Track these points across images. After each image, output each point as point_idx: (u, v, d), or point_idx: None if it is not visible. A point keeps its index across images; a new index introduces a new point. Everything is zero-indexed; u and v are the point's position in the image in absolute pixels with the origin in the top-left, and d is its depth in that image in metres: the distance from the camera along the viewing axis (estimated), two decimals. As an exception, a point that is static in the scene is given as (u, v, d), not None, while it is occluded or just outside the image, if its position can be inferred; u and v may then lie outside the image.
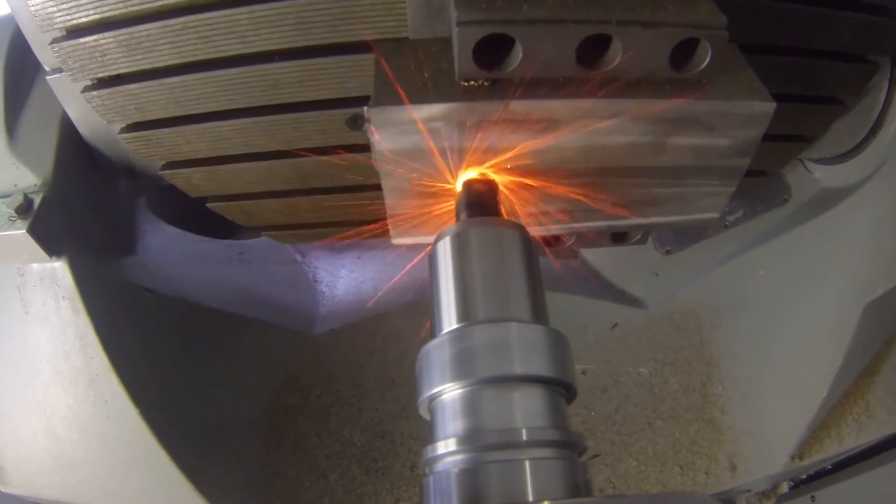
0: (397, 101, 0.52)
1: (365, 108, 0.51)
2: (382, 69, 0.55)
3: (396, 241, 0.67)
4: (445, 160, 0.56)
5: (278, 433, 1.03)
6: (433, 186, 0.59)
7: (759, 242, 1.04)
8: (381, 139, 0.54)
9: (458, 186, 0.60)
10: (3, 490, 0.91)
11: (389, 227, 0.64)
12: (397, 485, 1.00)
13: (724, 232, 1.09)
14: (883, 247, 0.89)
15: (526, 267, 0.53)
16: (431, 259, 0.56)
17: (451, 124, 0.54)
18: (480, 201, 0.58)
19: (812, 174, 1.02)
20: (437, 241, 0.55)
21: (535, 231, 0.64)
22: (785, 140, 0.88)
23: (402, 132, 0.54)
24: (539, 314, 0.52)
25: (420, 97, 0.52)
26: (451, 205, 0.61)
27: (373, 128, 0.52)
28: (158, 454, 0.85)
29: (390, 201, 0.62)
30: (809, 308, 0.96)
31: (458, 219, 0.58)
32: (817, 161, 1.02)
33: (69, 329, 0.84)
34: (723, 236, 1.09)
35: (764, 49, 0.73)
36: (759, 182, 0.94)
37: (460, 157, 0.56)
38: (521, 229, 0.55)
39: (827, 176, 1.00)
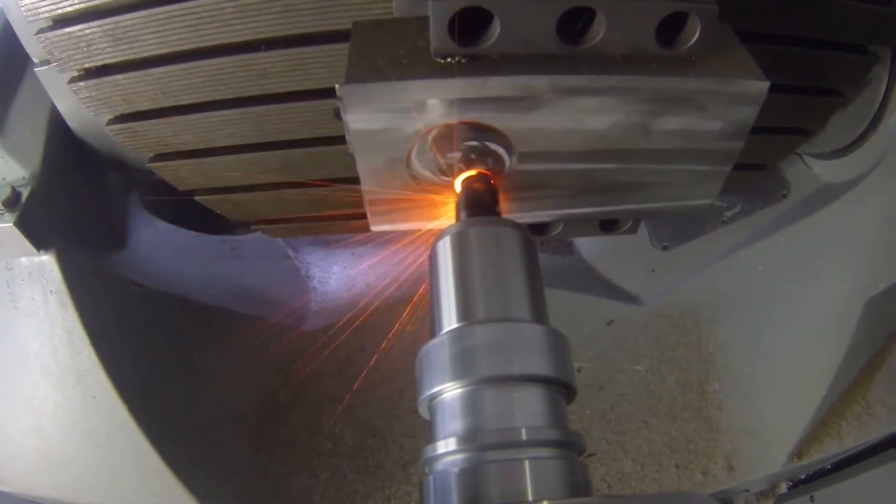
0: (369, 79, 0.50)
1: (336, 85, 0.49)
2: (357, 47, 0.53)
3: (375, 227, 0.66)
4: (423, 142, 0.54)
5: (268, 430, 1.02)
6: (411, 170, 0.57)
7: (757, 238, 1.03)
8: (354, 118, 0.52)
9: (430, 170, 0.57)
10: (-7, 487, 0.90)
11: (368, 213, 0.62)
12: (388, 483, 0.98)
13: (722, 228, 1.08)
14: (884, 242, 0.88)
15: (526, 266, 0.53)
16: (431, 258, 0.55)
17: (426, 102, 0.52)
18: (480, 200, 0.57)
19: (811, 169, 1.01)
20: (437, 240, 0.55)
21: (520, 218, 0.63)
22: (784, 132, 0.87)
23: (376, 111, 0.52)
24: (539, 314, 0.51)
25: (394, 74, 0.50)
26: (431, 190, 0.60)
27: (345, 106, 0.50)
28: (147, 451, 0.84)
29: (367, 186, 0.60)
30: (809, 304, 0.94)
31: (458, 218, 0.57)
32: (816, 156, 1.00)
33: (57, 324, 0.84)
34: (721, 232, 1.08)
35: (763, 38, 0.71)
36: (758, 177, 0.93)
37: (439, 138, 0.54)
38: (521, 229, 0.55)
39: (826, 171, 0.99)
